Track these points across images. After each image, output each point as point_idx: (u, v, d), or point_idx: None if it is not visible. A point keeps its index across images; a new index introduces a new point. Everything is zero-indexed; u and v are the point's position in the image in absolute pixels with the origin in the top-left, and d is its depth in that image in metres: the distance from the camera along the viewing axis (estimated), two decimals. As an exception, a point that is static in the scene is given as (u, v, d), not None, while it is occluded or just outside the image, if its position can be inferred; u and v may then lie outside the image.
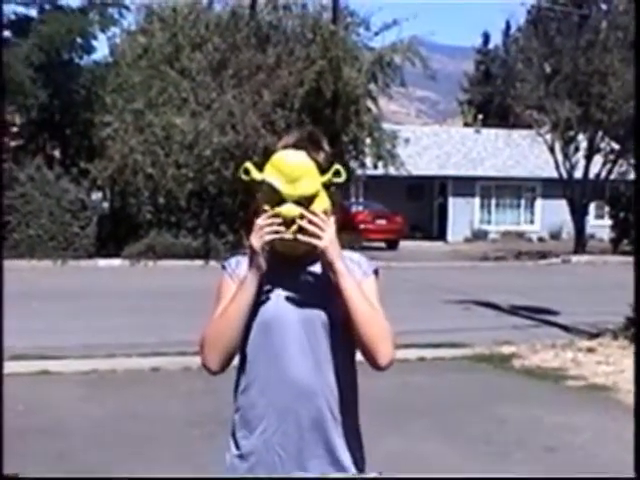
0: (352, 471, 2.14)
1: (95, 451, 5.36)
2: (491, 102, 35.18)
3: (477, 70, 47.07)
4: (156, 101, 20.22)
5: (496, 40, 42.39)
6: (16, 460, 5.09)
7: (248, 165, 2.09)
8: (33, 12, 24.11)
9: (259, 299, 2.11)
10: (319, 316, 2.11)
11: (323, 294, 2.11)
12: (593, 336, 9.64)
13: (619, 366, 8.04)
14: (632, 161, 23.22)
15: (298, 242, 2.06)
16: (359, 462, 2.17)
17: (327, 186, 2.10)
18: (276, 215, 2.05)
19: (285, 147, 2.11)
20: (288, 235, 2.04)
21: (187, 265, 18.38)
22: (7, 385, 7.10)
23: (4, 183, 20.06)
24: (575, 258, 23.23)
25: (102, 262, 19.22)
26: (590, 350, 8.79)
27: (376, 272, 2.21)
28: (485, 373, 8.02)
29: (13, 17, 24.16)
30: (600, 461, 5.34)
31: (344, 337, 2.10)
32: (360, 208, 28.69)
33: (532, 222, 33.25)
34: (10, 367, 7.62)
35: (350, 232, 21.89)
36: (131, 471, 4.92)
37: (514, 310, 12.33)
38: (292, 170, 2.05)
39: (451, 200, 32.37)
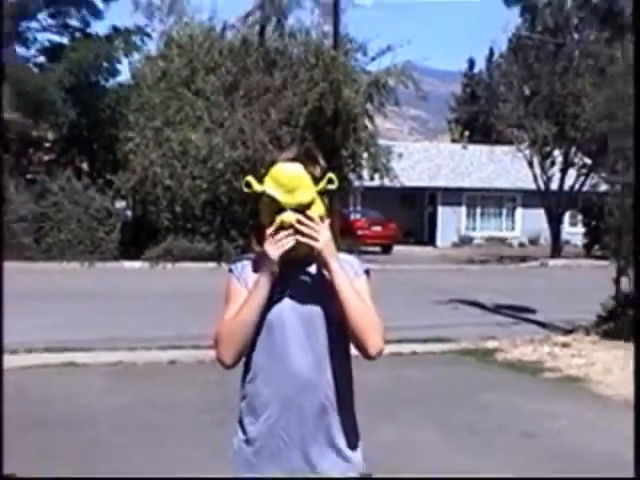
0: (347, 453, 2.14)
1: (117, 436, 5.33)
2: (476, 121, 35.12)
3: (463, 92, 46.98)
4: (174, 119, 20.23)
5: (480, 65, 42.42)
6: (39, 447, 5.07)
7: (249, 179, 2.09)
8: (65, 40, 24.19)
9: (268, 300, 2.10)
10: (317, 313, 2.11)
11: (320, 292, 2.10)
12: (568, 332, 9.63)
13: (591, 359, 8.02)
14: (603, 174, 23.18)
15: (298, 244, 2.06)
16: (353, 443, 2.16)
17: (322, 193, 2.10)
18: (283, 226, 2.05)
19: (285, 160, 2.11)
20: (293, 241, 2.05)
21: (201, 267, 18.35)
22: (38, 374, 7.10)
23: (38, 193, 20.10)
24: (552, 262, 23.18)
25: (125, 264, 19.21)
26: (565, 345, 8.77)
27: (367, 272, 2.21)
28: (471, 366, 7.99)
29: (47, 44, 24.29)
30: (576, 446, 5.30)
31: (340, 331, 2.10)
32: (358, 216, 28.65)
33: (513, 229, 33.20)
34: (41, 359, 7.64)
35: (348, 237, 21.89)
36: (148, 454, 4.89)
37: (497, 309, 12.30)
38: (289, 181, 2.05)
39: (440, 209, 32.33)
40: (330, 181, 2.09)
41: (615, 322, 9.16)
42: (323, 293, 2.09)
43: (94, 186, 20.55)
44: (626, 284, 9.44)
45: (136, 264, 19.17)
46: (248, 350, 2.12)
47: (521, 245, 31.53)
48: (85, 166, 24.45)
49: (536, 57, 24.06)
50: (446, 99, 50.74)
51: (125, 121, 21.35)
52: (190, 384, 6.83)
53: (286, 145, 17.86)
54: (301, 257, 2.11)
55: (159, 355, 8.02)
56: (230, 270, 2.21)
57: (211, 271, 17.25)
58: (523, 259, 23.80)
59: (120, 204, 22.22)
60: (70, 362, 7.57)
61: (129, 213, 22.82)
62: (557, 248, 25.17)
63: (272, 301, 2.10)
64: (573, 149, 24.80)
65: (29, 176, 21.98)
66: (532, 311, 11.83)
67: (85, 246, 19.67)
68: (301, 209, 2.06)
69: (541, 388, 7.07)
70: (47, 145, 25.48)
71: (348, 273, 2.12)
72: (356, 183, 22.48)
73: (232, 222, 20.37)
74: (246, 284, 2.14)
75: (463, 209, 32.68)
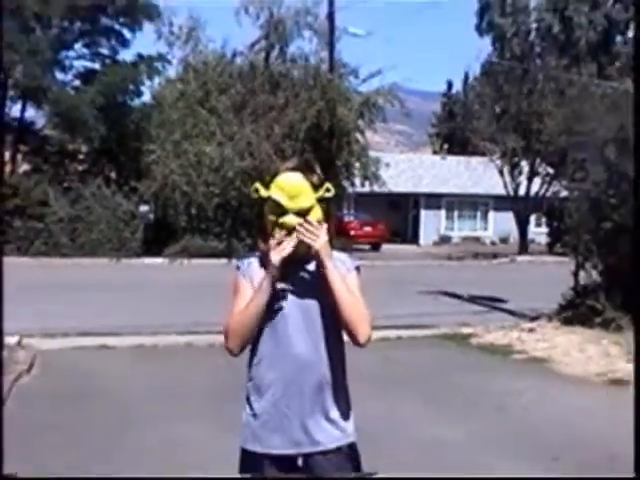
0: (340, 423, 2.14)
1: (140, 407, 5.32)
2: (454, 135, 35.13)
3: (443, 110, 46.85)
4: (190, 133, 20.23)
5: (458, 87, 42.36)
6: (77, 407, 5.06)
7: (257, 185, 2.11)
8: (97, 66, 24.28)
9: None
10: (314, 305, 2.11)
11: (317, 287, 2.10)
12: (533, 319, 9.61)
13: (553, 343, 8.01)
14: (564, 182, 23.18)
15: (299, 244, 2.07)
16: (346, 415, 2.17)
17: (320, 200, 2.11)
18: (286, 233, 2.06)
19: (287, 170, 2.12)
20: (294, 242, 2.06)
21: (214, 263, 18.31)
22: (74, 355, 7.11)
23: (73, 198, 20.09)
24: (519, 258, 23.18)
25: (147, 260, 19.18)
26: (531, 330, 8.75)
27: (357, 268, 2.21)
28: (450, 349, 7.98)
29: (82, 70, 24.39)
30: (541, 418, 5.30)
31: (334, 320, 2.10)
32: (351, 218, 28.63)
33: (486, 229, 33.20)
34: (78, 341, 7.66)
35: (342, 236, 21.88)
36: (165, 425, 4.88)
37: (472, 299, 12.28)
38: (292, 188, 2.07)
39: (423, 212, 32.33)
40: (327, 190, 2.10)
41: (573, 310, 9.14)
42: (319, 287, 2.09)
43: (121, 192, 20.56)
44: (583, 277, 9.44)
45: (157, 260, 19.14)
46: (253, 340, 2.12)
47: (493, 243, 31.52)
48: (113, 175, 24.47)
49: (505, 80, 24.08)
50: (428, 116, 50.68)
51: (148, 135, 21.38)
52: (204, 365, 6.81)
53: (288, 156, 17.86)
54: (301, 256, 2.11)
55: (177, 339, 8.01)
56: (237, 267, 2.21)
57: (222, 266, 17.21)
58: (495, 256, 23.80)
59: (143, 208, 22.21)
60: (102, 345, 7.57)
61: (151, 216, 22.81)
62: (524, 246, 25.18)
63: (276, 295, 2.10)
64: (538, 160, 24.78)
65: (66, 184, 22.00)
66: (503, 301, 11.82)
67: (113, 244, 19.68)
68: (302, 213, 2.07)
69: (510, 368, 7.07)
70: (81, 157, 25.51)
71: (340, 269, 2.12)
72: (349, 189, 22.49)
73: (241, 223, 20.34)
74: (251, 279, 2.15)
75: (443, 212, 32.69)
